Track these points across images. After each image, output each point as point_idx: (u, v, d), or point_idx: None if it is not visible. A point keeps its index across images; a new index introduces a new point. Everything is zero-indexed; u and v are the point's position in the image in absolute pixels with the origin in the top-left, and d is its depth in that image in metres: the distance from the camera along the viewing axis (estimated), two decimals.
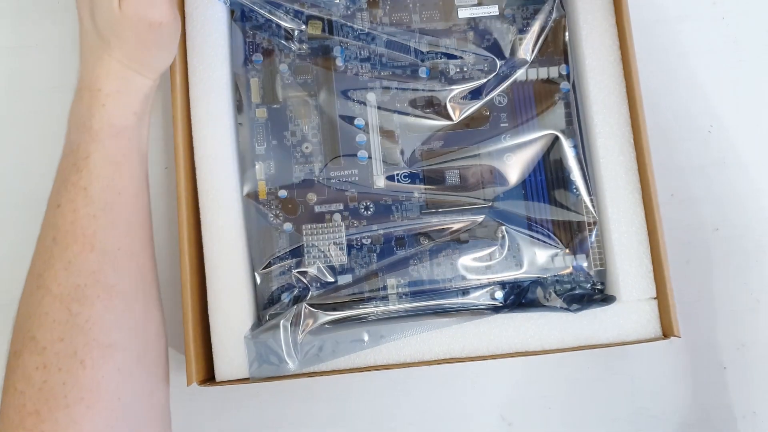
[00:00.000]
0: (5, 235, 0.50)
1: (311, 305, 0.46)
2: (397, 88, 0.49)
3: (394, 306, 0.47)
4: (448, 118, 0.49)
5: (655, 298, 0.46)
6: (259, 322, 0.46)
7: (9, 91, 0.52)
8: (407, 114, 0.49)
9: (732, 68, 0.53)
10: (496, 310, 0.46)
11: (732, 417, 0.50)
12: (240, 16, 0.50)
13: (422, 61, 0.49)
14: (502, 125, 0.49)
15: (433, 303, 0.46)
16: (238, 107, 0.49)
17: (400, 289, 0.47)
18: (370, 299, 0.47)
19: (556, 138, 0.49)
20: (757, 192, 0.52)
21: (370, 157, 0.49)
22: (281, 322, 0.45)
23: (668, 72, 0.53)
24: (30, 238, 0.49)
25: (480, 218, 0.48)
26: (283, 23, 0.49)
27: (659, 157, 0.51)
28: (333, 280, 0.47)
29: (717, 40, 0.53)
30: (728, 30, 0.53)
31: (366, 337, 0.45)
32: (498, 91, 0.49)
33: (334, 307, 0.46)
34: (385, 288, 0.47)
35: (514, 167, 0.49)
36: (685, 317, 0.49)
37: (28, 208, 0.50)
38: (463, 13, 0.49)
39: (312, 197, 0.48)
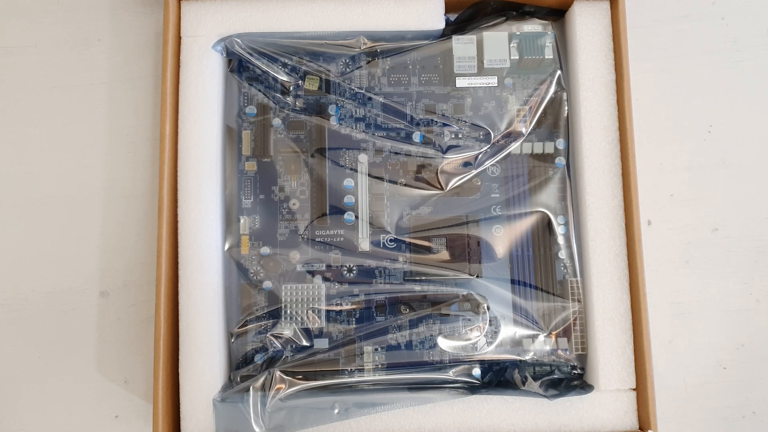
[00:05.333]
0: (5, 235, 0.50)
1: (283, 371, 0.45)
2: (390, 151, 0.49)
3: (369, 377, 0.46)
4: (439, 187, 0.48)
5: (634, 390, 0.45)
6: (230, 382, 0.45)
7: (8, 91, 0.51)
8: (396, 183, 0.48)
9: (731, 68, 0.53)
10: (472, 389, 0.45)
11: (732, 417, 0.49)
12: (237, 66, 0.49)
13: (417, 125, 0.49)
14: (493, 195, 0.49)
15: (409, 377, 0.46)
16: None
17: (377, 358, 0.46)
18: (344, 369, 0.46)
19: (547, 215, 0.48)
20: (756, 192, 0.51)
21: (357, 217, 0.48)
22: (251, 386, 0.44)
23: (668, 71, 0.52)
24: (30, 237, 0.49)
25: (463, 292, 0.47)
26: (279, 77, 0.49)
27: (659, 157, 0.51)
28: (308, 344, 0.46)
29: (717, 40, 0.53)
30: (728, 30, 0.53)
31: (336, 410, 0.44)
32: (491, 162, 0.48)
33: (307, 375, 0.45)
34: (361, 355, 0.46)
35: (503, 240, 0.48)
36: (685, 317, 0.49)
37: (28, 208, 0.49)
38: (462, 83, 0.48)
39: (295, 255, 0.48)
